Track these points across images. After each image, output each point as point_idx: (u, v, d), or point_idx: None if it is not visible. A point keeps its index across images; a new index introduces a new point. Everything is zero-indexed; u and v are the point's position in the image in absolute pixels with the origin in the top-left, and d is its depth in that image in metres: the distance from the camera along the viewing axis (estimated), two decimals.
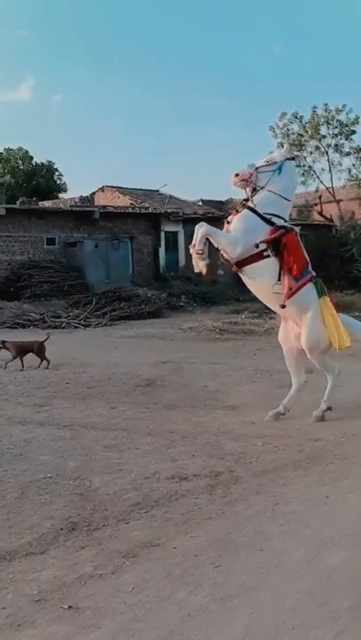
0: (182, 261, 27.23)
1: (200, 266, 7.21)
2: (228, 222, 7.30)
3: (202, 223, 7.19)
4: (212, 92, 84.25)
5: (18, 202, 27.31)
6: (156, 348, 14.11)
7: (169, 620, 3.23)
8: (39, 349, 11.49)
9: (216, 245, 7.17)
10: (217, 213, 31.16)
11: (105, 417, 7.59)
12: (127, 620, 3.24)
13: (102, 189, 34.10)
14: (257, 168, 7.31)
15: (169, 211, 28.43)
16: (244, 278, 7.37)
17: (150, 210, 28.98)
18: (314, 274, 7.31)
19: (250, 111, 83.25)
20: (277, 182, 7.21)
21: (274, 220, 7.10)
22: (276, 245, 7.00)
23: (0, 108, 75.10)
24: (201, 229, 7.06)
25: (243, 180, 7.20)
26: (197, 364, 11.33)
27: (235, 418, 7.36)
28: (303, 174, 34.87)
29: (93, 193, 33.40)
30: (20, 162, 42.85)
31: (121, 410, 7.96)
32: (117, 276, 24.99)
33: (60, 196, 41.01)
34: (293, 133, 34.34)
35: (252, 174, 7.22)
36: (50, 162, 44.09)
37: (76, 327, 19.15)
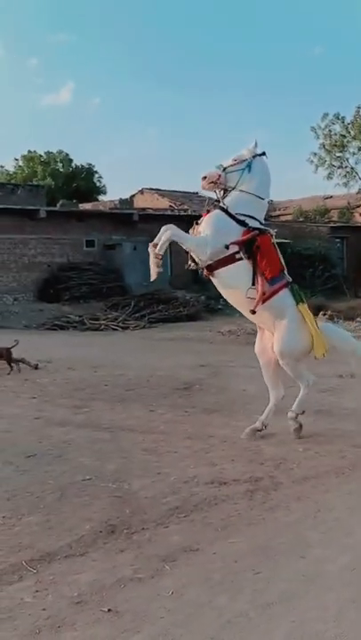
0: None
1: (153, 272, 6.72)
2: (197, 224, 6.84)
3: (169, 226, 6.73)
4: (252, 94, 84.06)
5: (58, 204, 27.54)
6: (194, 350, 14.08)
7: (209, 627, 3.20)
8: (6, 356, 11.21)
9: (185, 248, 6.74)
10: None
11: (143, 420, 7.59)
12: (167, 624, 3.22)
13: (141, 192, 34.26)
14: (225, 168, 6.79)
15: None
16: (215, 283, 6.90)
17: (189, 212, 28.96)
18: (290, 279, 6.89)
19: (291, 112, 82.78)
20: (248, 181, 6.74)
21: (247, 221, 6.64)
22: (249, 248, 6.56)
23: (41, 112, 76.03)
24: (166, 232, 6.60)
25: (211, 182, 6.73)
26: (236, 368, 11.26)
27: (274, 423, 7.27)
28: (345, 175, 34.58)
29: (133, 195, 33.58)
30: (61, 164, 43.31)
31: (159, 413, 7.96)
32: (156, 279, 25.01)
33: (100, 198, 41.33)
34: (336, 134, 34.05)
35: (220, 175, 6.73)
36: (89, 164, 44.53)
37: (114, 329, 19.27)
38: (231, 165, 6.82)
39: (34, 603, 3.43)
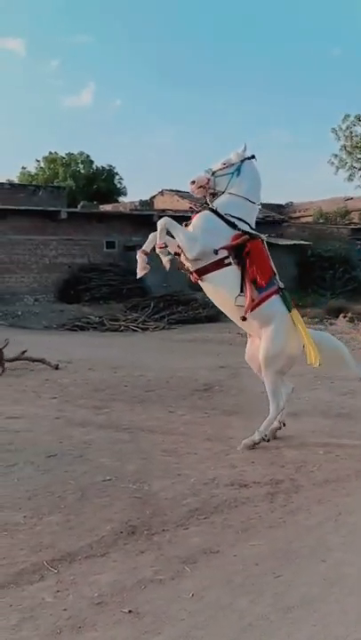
0: None
1: (163, 261, 6.63)
2: (186, 225, 6.68)
3: (164, 217, 6.74)
4: (272, 95, 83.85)
5: (79, 205, 27.65)
6: (213, 352, 14.07)
7: (230, 629, 3.19)
8: None
9: (175, 239, 6.59)
10: (277, 217, 30.95)
11: (163, 421, 7.60)
12: (188, 627, 3.21)
13: (161, 193, 34.31)
14: (214, 172, 6.71)
15: None
16: (204, 288, 6.81)
17: None
18: (281, 285, 6.70)
19: (312, 113, 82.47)
20: (238, 184, 6.64)
21: (237, 223, 6.50)
22: (239, 253, 6.42)
23: (62, 113, 76.44)
24: (160, 221, 6.61)
25: (200, 186, 6.67)
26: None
27: (294, 425, 7.25)
28: None
29: (153, 197, 33.64)
30: (81, 166, 43.49)
31: (179, 414, 7.96)
32: (175, 280, 25.00)
33: (120, 199, 41.46)
34: (357, 136, 33.86)
35: (209, 180, 6.66)
36: (110, 166, 44.67)
37: (134, 330, 19.30)
38: (220, 169, 6.72)
39: (55, 603, 3.44)
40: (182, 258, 6.65)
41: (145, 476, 5.53)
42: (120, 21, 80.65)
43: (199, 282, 6.73)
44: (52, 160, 43.11)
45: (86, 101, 78.93)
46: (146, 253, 6.74)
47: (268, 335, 6.51)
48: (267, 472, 5.64)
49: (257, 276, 6.39)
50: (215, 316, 21.80)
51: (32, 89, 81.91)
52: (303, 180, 77.39)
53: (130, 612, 3.34)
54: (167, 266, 6.67)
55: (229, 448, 6.38)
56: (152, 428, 7.22)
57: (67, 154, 43.34)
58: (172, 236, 6.60)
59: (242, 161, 6.73)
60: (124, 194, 44.87)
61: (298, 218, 37.34)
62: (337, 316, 19.36)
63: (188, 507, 4.82)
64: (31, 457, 6.10)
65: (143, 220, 26.12)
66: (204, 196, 6.77)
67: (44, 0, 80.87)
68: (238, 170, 6.68)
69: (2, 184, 24.43)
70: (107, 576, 3.74)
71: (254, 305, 6.41)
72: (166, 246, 6.62)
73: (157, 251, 6.63)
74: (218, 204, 6.61)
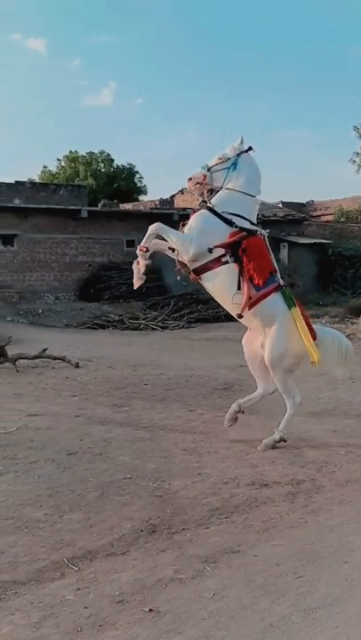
0: None
1: (140, 265, 6.65)
2: (183, 225, 6.68)
3: (156, 223, 6.72)
4: (293, 93, 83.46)
5: (99, 204, 27.68)
6: (233, 351, 13.96)
7: (251, 630, 3.17)
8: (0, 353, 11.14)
9: (170, 244, 6.58)
10: (297, 215, 30.76)
11: (183, 419, 7.58)
12: (208, 626, 3.20)
13: (182, 192, 34.19)
14: (210, 168, 6.62)
15: None
16: (204, 286, 6.73)
17: None
18: (282, 282, 6.60)
19: (333, 112, 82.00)
20: (235, 179, 6.54)
21: (235, 220, 6.39)
22: (236, 250, 6.31)
23: (83, 112, 76.68)
24: (152, 226, 6.60)
25: (197, 183, 6.61)
26: None
27: (315, 425, 7.21)
28: None
29: (173, 195, 33.58)
30: (102, 165, 43.55)
31: (199, 413, 7.94)
32: None
33: (141, 198, 41.46)
34: None
35: (205, 176, 6.59)
36: (130, 165, 44.71)
37: (153, 329, 19.32)
38: (216, 165, 6.63)
39: (75, 601, 3.45)
40: (180, 257, 6.58)
41: (165, 475, 5.52)
42: (141, 20, 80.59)
43: (198, 281, 6.69)
44: (73, 159, 43.23)
45: (107, 100, 79.05)
46: (145, 250, 6.66)
47: (271, 335, 6.44)
48: (288, 472, 5.60)
49: (254, 273, 6.28)
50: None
51: (53, 88, 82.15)
52: (324, 178, 76.80)
53: (150, 610, 3.33)
54: (142, 269, 6.70)
55: (250, 447, 6.35)
56: (172, 427, 7.21)
57: (87, 152, 43.44)
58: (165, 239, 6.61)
59: (238, 154, 6.63)
60: (145, 192, 44.90)
61: (319, 216, 37.11)
62: (358, 315, 19.20)
63: (209, 506, 4.80)
64: (52, 454, 6.11)
65: (164, 218, 26.07)
66: (202, 193, 6.67)
67: (64, 0, 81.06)
68: (235, 164, 6.58)
69: (23, 183, 24.50)
70: (127, 574, 3.73)
71: (252, 303, 6.32)
72: (147, 250, 6.61)
73: (138, 252, 6.64)
74: (215, 201, 6.53)
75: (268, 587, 3.60)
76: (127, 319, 20.08)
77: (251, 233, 6.43)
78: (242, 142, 6.66)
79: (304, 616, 3.30)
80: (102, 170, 43.25)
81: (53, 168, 44.02)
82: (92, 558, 3.96)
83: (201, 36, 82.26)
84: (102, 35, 79.26)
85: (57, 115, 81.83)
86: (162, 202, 30.62)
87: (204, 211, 6.55)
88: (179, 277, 6.94)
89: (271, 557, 3.96)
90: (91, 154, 43.45)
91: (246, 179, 6.57)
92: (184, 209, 28.87)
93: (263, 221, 28.59)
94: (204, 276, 6.55)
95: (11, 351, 12.56)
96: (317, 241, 27.85)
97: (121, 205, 30.46)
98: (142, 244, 6.62)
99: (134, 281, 6.84)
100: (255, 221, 6.67)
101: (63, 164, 43.82)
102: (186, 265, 6.61)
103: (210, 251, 6.33)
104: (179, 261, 6.63)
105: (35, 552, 4.03)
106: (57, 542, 4.18)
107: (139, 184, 45.27)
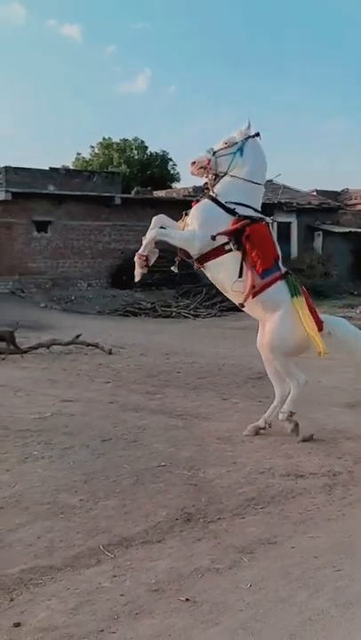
0: (294, 253, 26.76)
1: (137, 273, 6.66)
2: (185, 214, 6.53)
3: (158, 218, 6.61)
4: (327, 83, 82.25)
5: (133, 191, 27.65)
6: None
7: (289, 623, 3.12)
8: (9, 339, 11.15)
9: (174, 244, 6.52)
10: (332, 203, 30.38)
11: (216, 408, 7.55)
12: (246, 618, 3.16)
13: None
14: (215, 152, 6.39)
15: (282, 201, 27.93)
16: (207, 274, 6.63)
17: (264, 200, 28.62)
18: (285, 269, 6.43)
19: None
20: (241, 165, 6.32)
21: (238, 209, 6.22)
22: (238, 238, 6.14)
23: (117, 99, 76.52)
24: (150, 232, 6.47)
25: (201, 167, 6.38)
26: (310, 359, 10.95)
27: (351, 417, 7.11)
28: None
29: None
30: (136, 152, 43.44)
31: (233, 402, 7.89)
32: None
33: (174, 185, 41.25)
34: None
35: (210, 160, 6.34)
36: (164, 151, 44.52)
37: (185, 317, 19.29)
38: (221, 149, 6.42)
39: (111, 588, 3.43)
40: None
41: (200, 463, 5.49)
42: (176, 7, 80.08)
43: (202, 269, 6.59)
44: (106, 145, 43.20)
45: (141, 87, 78.76)
46: (144, 258, 6.63)
47: (273, 321, 6.31)
48: (324, 463, 5.52)
49: (258, 261, 6.13)
50: None
51: (87, 75, 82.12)
52: (360, 166, 75.70)
53: (187, 600, 3.30)
54: (137, 278, 6.76)
55: (284, 437, 6.28)
56: (205, 415, 7.18)
57: (121, 139, 43.39)
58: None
59: (245, 139, 6.42)
60: (178, 180, 44.64)
61: (354, 205, 36.57)
62: None
63: (245, 496, 4.75)
64: (86, 440, 6.13)
65: None
66: (205, 177, 6.52)
67: None
68: (241, 149, 6.38)
69: (57, 169, 24.53)
70: (163, 563, 3.71)
71: (256, 291, 6.20)
72: (147, 259, 6.58)
73: (136, 260, 6.62)
74: (218, 189, 6.36)
75: (305, 579, 3.54)
76: (159, 307, 20.09)
77: (254, 220, 6.27)
78: (249, 127, 6.46)
79: (343, 610, 3.24)
80: (136, 157, 43.14)
81: (87, 155, 44.08)
82: (127, 545, 3.94)
83: (236, 22, 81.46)
84: (138, 21, 78.92)
85: (91, 101, 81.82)
86: (195, 189, 30.41)
87: (206, 201, 6.40)
88: (176, 270, 6.78)
89: (309, 550, 3.90)
90: (124, 141, 43.38)
91: (252, 166, 6.39)
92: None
93: (298, 210, 28.37)
94: (208, 264, 6.43)
95: (45, 337, 12.69)
96: (353, 230, 27.48)
97: (154, 192, 30.38)
98: (141, 251, 6.53)
99: (136, 273, 6.81)
100: (260, 209, 6.49)
101: (97, 150, 43.84)
102: (188, 253, 6.50)
103: (213, 238, 6.20)
104: (180, 250, 6.53)
105: (70, 538, 4.03)
106: (92, 529, 4.17)
107: (172, 171, 45.05)
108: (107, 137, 43.94)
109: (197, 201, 6.54)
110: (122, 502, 4.62)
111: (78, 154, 44.49)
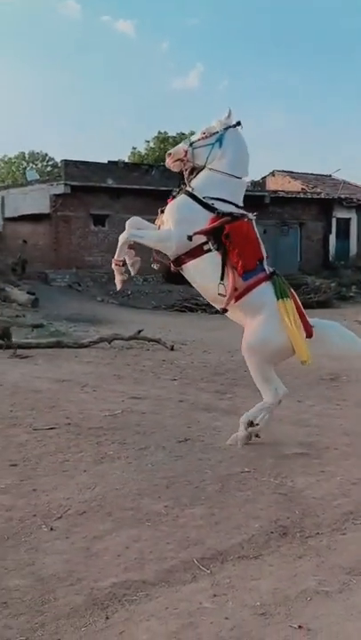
0: (354, 250, 26.20)
1: (117, 281, 6.21)
2: (162, 212, 6.00)
3: (130, 223, 6.08)
4: None
5: None
6: None
7: None
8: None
9: (149, 246, 6.01)
10: None
11: (292, 411, 7.18)
12: None
13: (273, 174, 33.48)
14: (192, 143, 5.87)
15: (342, 196, 27.37)
16: (185, 276, 6.10)
17: (322, 195, 28.04)
18: (271, 270, 5.92)
19: None
20: (220, 157, 5.80)
21: (217, 205, 5.71)
22: (218, 236, 5.63)
23: (170, 95, 76.43)
24: (122, 235, 5.96)
25: (177, 159, 5.88)
26: None
27: None
28: None
29: (264, 177, 32.88)
30: None
31: (308, 404, 7.54)
32: (284, 263, 24.32)
33: None
34: None
35: (186, 151, 5.83)
36: None
37: None
38: (199, 140, 5.89)
39: (214, 609, 3.13)
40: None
41: (285, 471, 5.15)
42: (229, 3, 79.42)
43: (180, 272, 6.06)
44: (162, 140, 43.11)
45: (193, 83, 78.54)
46: (120, 264, 6.13)
47: (256, 323, 5.80)
48: None
49: (239, 262, 5.60)
50: (328, 301, 21.16)
51: (141, 71, 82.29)
52: None
53: (300, 627, 2.98)
54: (118, 285, 6.32)
55: None
56: (282, 418, 6.82)
57: (177, 133, 43.19)
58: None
59: (225, 129, 5.86)
60: None
61: None
62: None
63: (341, 509, 4.40)
64: (161, 441, 5.87)
65: (254, 200, 25.54)
66: (182, 171, 5.97)
67: None
68: (220, 140, 5.82)
69: (116, 163, 24.43)
70: (266, 582, 3.39)
71: (238, 294, 5.69)
72: (124, 264, 6.09)
73: (113, 267, 6.13)
74: (195, 184, 5.84)
75: None
76: None
77: (235, 217, 5.74)
78: (229, 116, 5.91)
79: None
80: None
81: (142, 150, 44.04)
82: (222, 560, 3.64)
83: (288, 18, 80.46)
84: (191, 17, 78.59)
85: (146, 97, 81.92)
86: (253, 184, 29.99)
87: (182, 196, 5.86)
88: (156, 267, 6.36)
89: None
90: (181, 135, 43.17)
91: (232, 158, 5.85)
92: (275, 191, 28.30)
93: (358, 205, 27.71)
94: (185, 266, 5.91)
95: (103, 331, 12.55)
96: None
97: None
98: (116, 256, 6.05)
99: (116, 282, 6.34)
100: (241, 204, 5.96)
101: (152, 144, 43.77)
102: (165, 254, 6.01)
103: (189, 238, 5.69)
104: (155, 251, 6.07)
105: (161, 549, 3.75)
106: (183, 539, 3.88)
107: None
108: (162, 131, 43.85)
109: (173, 197, 5.96)
110: (210, 511, 4.32)
111: (134, 148, 44.61)
